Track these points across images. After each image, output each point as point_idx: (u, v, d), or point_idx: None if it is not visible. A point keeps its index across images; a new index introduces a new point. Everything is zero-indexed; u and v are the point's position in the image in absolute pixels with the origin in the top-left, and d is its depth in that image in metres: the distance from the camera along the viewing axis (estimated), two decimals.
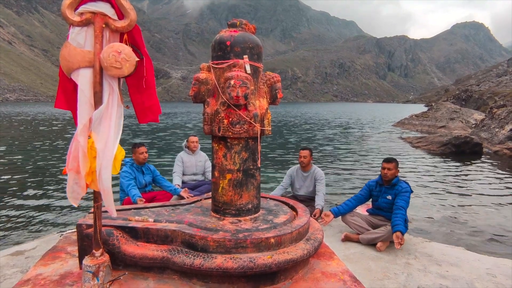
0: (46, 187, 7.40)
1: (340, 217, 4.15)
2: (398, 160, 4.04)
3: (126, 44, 2.01)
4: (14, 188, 7.30)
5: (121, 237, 2.49)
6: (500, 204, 6.64)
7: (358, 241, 3.89)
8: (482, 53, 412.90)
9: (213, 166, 2.78)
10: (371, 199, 4.19)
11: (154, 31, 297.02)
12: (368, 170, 10.12)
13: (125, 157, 2.89)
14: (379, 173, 4.03)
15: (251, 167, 2.73)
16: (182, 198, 4.49)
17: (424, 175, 9.40)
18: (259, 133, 2.66)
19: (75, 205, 2.03)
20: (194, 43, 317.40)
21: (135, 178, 4.59)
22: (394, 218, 3.66)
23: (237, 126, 2.58)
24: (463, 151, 13.12)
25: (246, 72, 2.58)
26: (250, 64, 2.61)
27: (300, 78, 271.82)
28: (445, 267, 3.35)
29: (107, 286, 2.04)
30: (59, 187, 7.37)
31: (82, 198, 2.06)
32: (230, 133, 2.60)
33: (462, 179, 8.93)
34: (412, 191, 3.91)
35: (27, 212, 5.78)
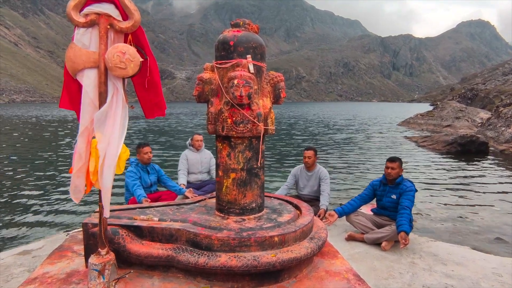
0: (52, 187, 7.46)
1: (345, 216, 4.15)
2: (403, 159, 4.02)
3: (131, 45, 2.02)
4: (21, 189, 7.37)
5: (127, 236, 2.51)
6: (506, 203, 6.59)
7: (362, 241, 3.89)
8: (488, 52, 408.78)
9: (217, 166, 2.80)
10: (375, 199, 4.18)
11: (158, 32, 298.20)
12: (373, 169, 10.08)
13: (130, 157, 2.91)
14: (384, 172, 4.02)
15: (255, 166, 2.74)
16: (187, 198, 4.51)
17: (429, 174, 9.34)
18: (262, 132, 2.67)
19: (76, 202, 2.09)
20: (199, 44, 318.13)
21: (140, 178, 4.61)
22: (399, 218, 3.65)
23: (241, 125, 2.60)
24: (469, 150, 13.01)
25: (249, 72, 2.59)
26: (254, 64, 2.62)
27: (305, 77, 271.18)
28: (450, 267, 3.34)
29: (113, 284, 2.06)
30: (65, 187, 7.42)
31: (86, 197, 2.10)
32: (233, 133, 2.61)
33: (468, 178, 8.86)
34: (416, 190, 3.89)
35: (33, 212, 5.84)
